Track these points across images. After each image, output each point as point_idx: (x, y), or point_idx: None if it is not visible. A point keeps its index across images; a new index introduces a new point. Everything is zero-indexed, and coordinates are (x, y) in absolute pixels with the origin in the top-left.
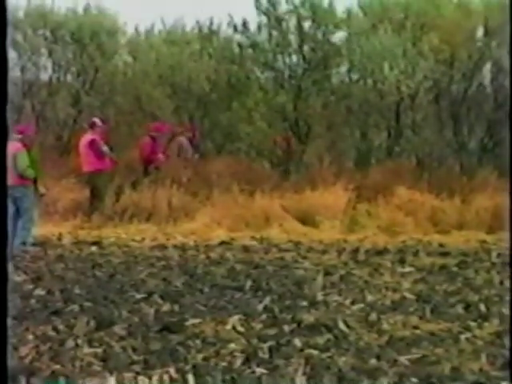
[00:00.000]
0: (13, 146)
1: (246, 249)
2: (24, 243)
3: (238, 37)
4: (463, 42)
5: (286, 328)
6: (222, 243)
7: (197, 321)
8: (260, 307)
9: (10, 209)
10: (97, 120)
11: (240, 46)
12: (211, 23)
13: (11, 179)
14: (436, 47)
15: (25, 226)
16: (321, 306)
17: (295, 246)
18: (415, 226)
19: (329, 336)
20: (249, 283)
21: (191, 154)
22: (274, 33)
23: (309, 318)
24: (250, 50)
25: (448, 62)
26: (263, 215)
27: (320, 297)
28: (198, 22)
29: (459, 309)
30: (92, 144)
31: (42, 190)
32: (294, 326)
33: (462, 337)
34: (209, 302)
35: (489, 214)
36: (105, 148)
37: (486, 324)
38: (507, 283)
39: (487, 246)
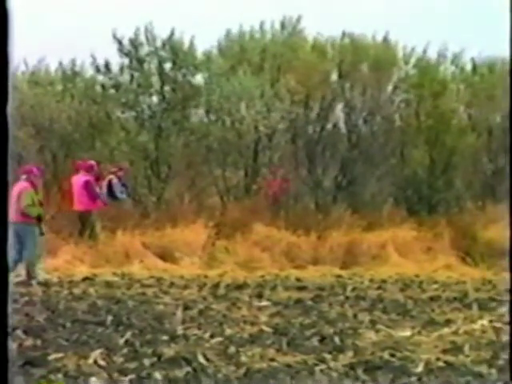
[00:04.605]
0: (19, 185)
1: (108, 284)
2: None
3: (100, 78)
4: (318, 84)
5: (147, 362)
6: (85, 279)
7: (59, 355)
8: (121, 341)
9: (16, 244)
10: (93, 163)
11: (103, 86)
12: (74, 64)
13: (15, 216)
14: (292, 88)
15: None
16: (180, 340)
17: (157, 281)
18: (272, 261)
19: (188, 369)
20: (110, 318)
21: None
22: (136, 74)
23: (169, 351)
24: (112, 91)
25: (303, 103)
26: (124, 252)
27: (180, 331)
28: (60, 64)
29: (315, 341)
30: (86, 185)
31: (43, 229)
32: (155, 359)
33: (317, 369)
34: (71, 336)
35: (343, 250)
36: (98, 190)
37: (341, 356)
38: (361, 316)
39: (342, 280)
